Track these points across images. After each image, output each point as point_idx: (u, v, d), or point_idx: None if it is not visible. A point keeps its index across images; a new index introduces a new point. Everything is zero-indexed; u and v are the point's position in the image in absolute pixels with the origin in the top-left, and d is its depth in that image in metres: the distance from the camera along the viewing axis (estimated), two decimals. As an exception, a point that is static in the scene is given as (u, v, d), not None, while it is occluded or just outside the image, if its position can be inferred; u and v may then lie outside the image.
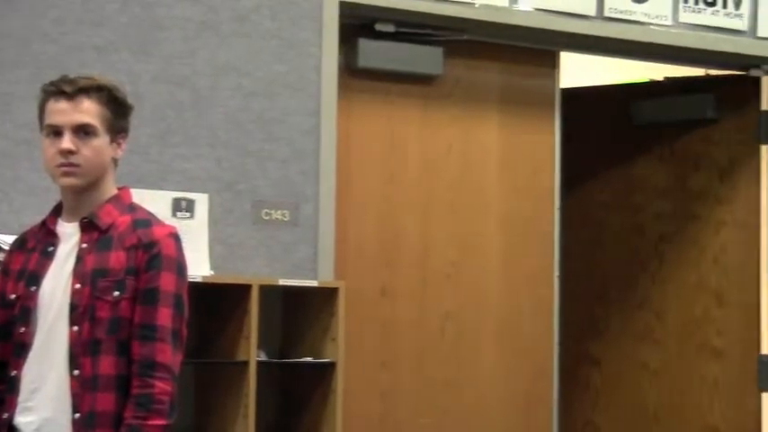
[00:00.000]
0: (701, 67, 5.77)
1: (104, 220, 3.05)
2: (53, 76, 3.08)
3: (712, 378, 5.67)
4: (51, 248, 3.05)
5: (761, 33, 5.44)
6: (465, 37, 5.10)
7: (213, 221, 4.51)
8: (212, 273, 4.42)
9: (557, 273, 5.33)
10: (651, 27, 5.27)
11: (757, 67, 5.59)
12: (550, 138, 5.36)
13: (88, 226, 3.05)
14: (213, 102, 4.56)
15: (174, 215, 4.40)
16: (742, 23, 5.41)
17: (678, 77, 5.88)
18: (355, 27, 4.93)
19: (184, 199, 4.46)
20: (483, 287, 5.20)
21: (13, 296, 3.03)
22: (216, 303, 4.42)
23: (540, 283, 5.31)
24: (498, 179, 5.28)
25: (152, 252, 3.01)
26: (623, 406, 5.88)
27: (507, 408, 5.20)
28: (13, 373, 3.00)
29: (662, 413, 5.77)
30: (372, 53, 4.97)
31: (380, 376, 5.01)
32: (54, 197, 3.14)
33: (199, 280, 4.20)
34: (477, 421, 5.15)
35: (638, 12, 5.21)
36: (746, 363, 5.61)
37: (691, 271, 5.80)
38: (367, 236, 5.03)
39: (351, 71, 4.95)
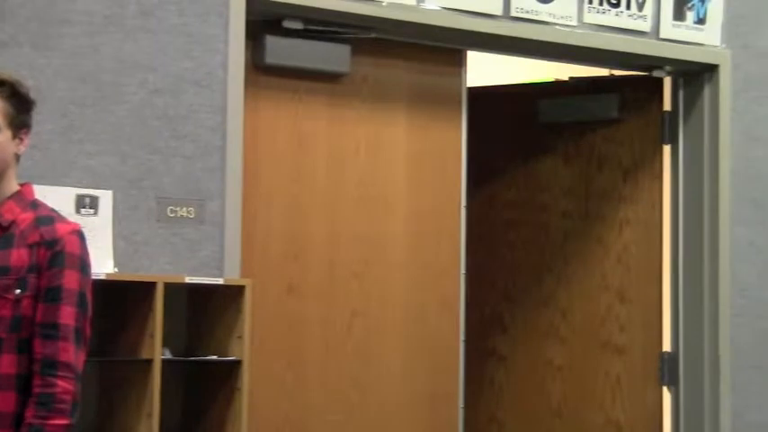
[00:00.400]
0: (606, 68, 5.84)
1: (6, 217, 3.01)
2: (-47, 70, 3.04)
3: (615, 374, 5.74)
4: (-49, 245, 3.01)
5: (663, 35, 5.51)
6: (372, 35, 5.11)
7: (117, 218, 4.47)
8: (116, 270, 4.38)
9: (463, 270, 5.36)
10: (557, 27, 5.31)
11: (660, 68, 5.67)
12: (457, 136, 5.39)
13: (-11, 223, 3.00)
14: (118, 98, 4.51)
15: (77, 212, 4.36)
16: (645, 25, 5.48)
17: (583, 77, 5.95)
18: (262, 24, 4.91)
19: (88, 196, 4.42)
20: (390, 285, 5.22)
21: None
22: (120, 301, 4.38)
23: (447, 281, 5.33)
24: (405, 177, 5.29)
25: (55, 249, 2.98)
26: (528, 402, 5.93)
27: (413, 404, 5.22)
28: None
29: (565, 409, 5.83)
30: (280, 50, 4.95)
31: (287, 374, 5.00)
32: (-46, 193, 3.08)
33: (102, 277, 4.16)
34: (384, 418, 5.16)
35: (544, 12, 5.26)
36: (648, 359, 5.70)
37: (595, 269, 5.86)
38: (274, 233, 5.01)
39: (258, 68, 4.93)
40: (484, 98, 5.75)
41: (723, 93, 5.64)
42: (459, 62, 5.40)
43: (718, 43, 5.65)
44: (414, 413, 5.23)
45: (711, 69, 5.65)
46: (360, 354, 5.13)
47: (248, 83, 4.76)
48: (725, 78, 5.64)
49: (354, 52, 5.09)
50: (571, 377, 5.83)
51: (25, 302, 2.93)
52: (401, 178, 5.28)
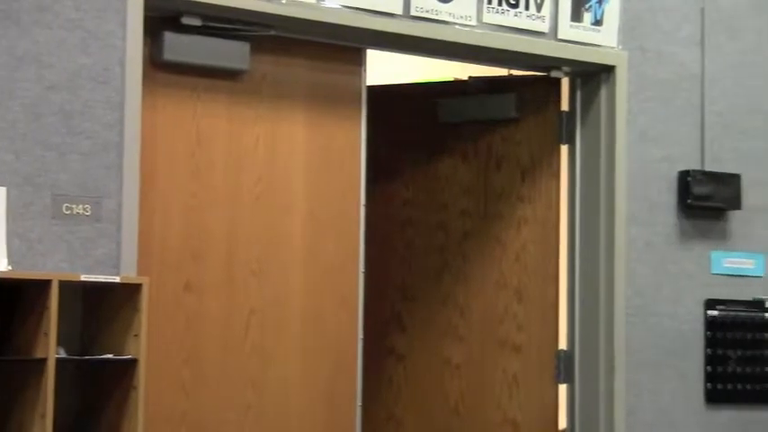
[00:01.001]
0: (505, 68, 5.88)
1: None
2: None
3: (512, 372, 5.78)
4: None
5: (561, 36, 5.56)
6: (272, 32, 5.09)
7: (12, 216, 4.40)
8: (10, 268, 4.32)
9: (361, 269, 5.36)
10: (456, 27, 5.34)
11: (558, 68, 5.72)
12: (357, 135, 5.39)
13: None
14: (13, 93, 4.44)
15: (-30, 209, 4.29)
16: (544, 25, 5.53)
17: (482, 77, 5.98)
18: (161, 20, 4.87)
19: (-19, 192, 4.35)
20: (288, 283, 5.20)
21: None
22: (14, 300, 4.32)
23: (345, 280, 5.33)
24: (305, 176, 5.28)
25: (-55, 247, 2.93)
26: (426, 400, 5.95)
27: (311, 403, 5.21)
28: None
29: (463, 407, 5.86)
30: (178, 47, 4.92)
31: (184, 373, 4.96)
32: None
33: (-4, 275, 4.10)
34: (282, 416, 5.15)
35: (444, 11, 5.28)
36: (544, 357, 5.75)
37: (493, 268, 5.90)
38: (172, 231, 4.97)
39: (156, 65, 4.89)
40: (384, 97, 5.76)
41: (619, 94, 5.70)
42: (358, 61, 5.40)
43: (614, 45, 5.71)
44: (312, 411, 5.22)
45: (608, 70, 5.71)
46: (258, 352, 5.11)
47: (146, 79, 4.72)
48: (621, 79, 5.71)
49: (254, 50, 5.07)
50: (469, 375, 5.87)
51: None
52: (300, 177, 5.27)
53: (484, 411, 5.82)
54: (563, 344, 5.77)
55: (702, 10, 5.93)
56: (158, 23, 4.85)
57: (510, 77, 5.94)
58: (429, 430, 5.94)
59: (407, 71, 6.27)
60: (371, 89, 5.46)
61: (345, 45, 5.34)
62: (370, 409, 5.61)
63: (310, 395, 5.22)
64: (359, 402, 5.31)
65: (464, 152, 6.01)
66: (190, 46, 4.93)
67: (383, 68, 5.84)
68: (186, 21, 4.88)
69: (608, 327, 5.64)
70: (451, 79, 6.13)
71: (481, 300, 5.90)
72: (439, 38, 5.31)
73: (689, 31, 5.91)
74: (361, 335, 5.34)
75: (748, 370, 5.89)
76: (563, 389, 5.76)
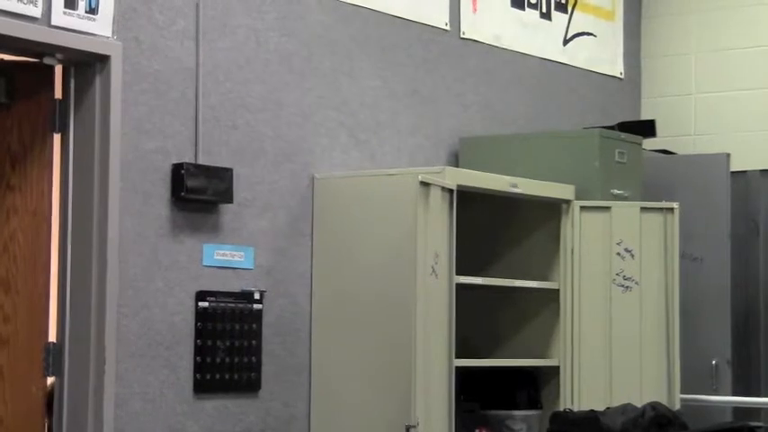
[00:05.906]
0: (-5, 52, 5.71)
1: None
2: None
3: (-2, 367, 5.63)
4: None
5: (54, 22, 5.46)
6: None
7: None
8: None
9: None
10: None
11: (51, 55, 5.62)
12: None
13: None
14: None
15: None
16: (36, 10, 5.40)
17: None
18: None
19: None
20: None
21: None
22: None
23: None
24: None
25: None
26: None
27: None
28: None
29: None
30: None
31: None
32: None
33: None
34: None
35: (-72, -11, 5.04)
36: (33, 350, 5.63)
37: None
38: None
39: None
40: None
41: (114, 84, 5.66)
42: None
43: (109, 34, 5.68)
44: None
45: (102, 60, 5.66)
46: None
47: None
48: (116, 70, 5.67)
49: None
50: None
51: None
52: None
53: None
54: (53, 336, 5.68)
55: (197, 5, 6.01)
56: None
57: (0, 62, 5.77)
58: None
59: None
60: None
61: None
62: None
63: None
64: None
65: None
66: None
67: None
68: None
69: (99, 319, 5.60)
70: None
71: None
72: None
73: (183, 26, 5.96)
74: None
75: (236, 360, 6.03)
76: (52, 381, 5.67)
